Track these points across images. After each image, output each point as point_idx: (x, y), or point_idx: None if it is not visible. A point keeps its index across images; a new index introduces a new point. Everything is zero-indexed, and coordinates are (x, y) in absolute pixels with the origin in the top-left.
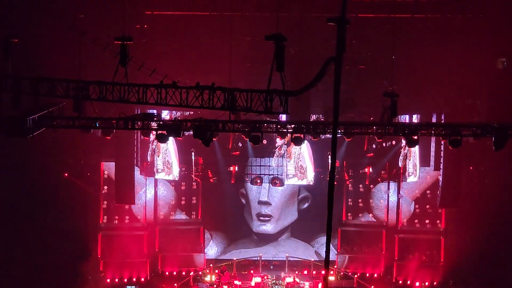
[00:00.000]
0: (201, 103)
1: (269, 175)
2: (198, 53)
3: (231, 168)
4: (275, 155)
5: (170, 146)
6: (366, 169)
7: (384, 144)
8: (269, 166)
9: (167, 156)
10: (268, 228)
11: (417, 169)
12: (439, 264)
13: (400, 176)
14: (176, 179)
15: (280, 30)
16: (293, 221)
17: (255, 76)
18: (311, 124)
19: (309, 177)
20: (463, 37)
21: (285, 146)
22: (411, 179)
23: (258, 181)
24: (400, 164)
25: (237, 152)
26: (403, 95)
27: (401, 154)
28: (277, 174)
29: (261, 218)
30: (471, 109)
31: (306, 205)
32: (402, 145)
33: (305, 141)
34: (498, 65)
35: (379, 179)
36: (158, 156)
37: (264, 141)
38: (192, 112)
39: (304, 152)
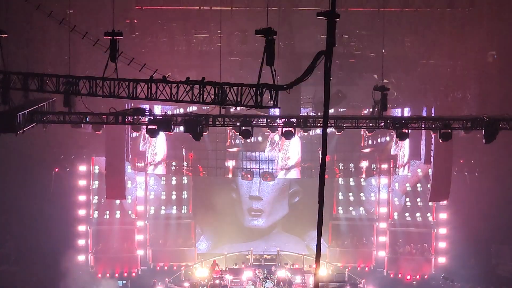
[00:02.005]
0: (191, 98)
1: (259, 169)
2: (188, 48)
3: (228, 163)
4: (266, 150)
5: (160, 138)
6: (363, 162)
7: (379, 140)
8: (259, 160)
9: (155, 147)
10: (260, 223)
11: (405, 159)
12: (430, 257)
13: (391, 170)
14: (163, 172)
15: (270, 25)
16: (284, 216)
17: (245, 71)
18: (301, 118)
19: (292, 168)
20: (452, 30)
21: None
22: (401, 171)
23: (249, 175)
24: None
25: (237, 148)
26: (393, 89)
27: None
28: (268, 169)
29: (253, 213)
30: (461, 102)
31: (297, 199)
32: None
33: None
34: (488, 58)
35: (374, 172)
36: (149, 148)
37: (260, 138)
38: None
39: (292, 143)
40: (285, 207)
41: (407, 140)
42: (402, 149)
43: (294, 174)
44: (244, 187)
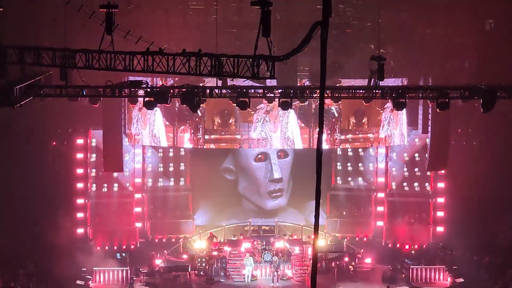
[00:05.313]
0: (188, 70)
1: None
2: (184, 20)
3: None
4: (254, 121)
5: (158, 118)
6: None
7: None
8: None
9: (154, 128)
10: (282, 202)
11: (404, 139)
12: (428, 226)
13: (385, 140)
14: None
15: None
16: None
17: (242, 42)
18: (298, 89)
19: (297, 147)
20: None
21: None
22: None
23: (260, 156)
24: (382, 134)
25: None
26: (390, 59)
27: (382, 120)
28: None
29: (273, 194)
30: (458, 71)
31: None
32: (385, 107)
33: (291, 111)
34: (485, 26)
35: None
36: (144, 129)
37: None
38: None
39: (291, 122)
40: (290, 178)
41: (404, 115)
42: (399, 123)
43: (300, 143)
44: (261, 171)
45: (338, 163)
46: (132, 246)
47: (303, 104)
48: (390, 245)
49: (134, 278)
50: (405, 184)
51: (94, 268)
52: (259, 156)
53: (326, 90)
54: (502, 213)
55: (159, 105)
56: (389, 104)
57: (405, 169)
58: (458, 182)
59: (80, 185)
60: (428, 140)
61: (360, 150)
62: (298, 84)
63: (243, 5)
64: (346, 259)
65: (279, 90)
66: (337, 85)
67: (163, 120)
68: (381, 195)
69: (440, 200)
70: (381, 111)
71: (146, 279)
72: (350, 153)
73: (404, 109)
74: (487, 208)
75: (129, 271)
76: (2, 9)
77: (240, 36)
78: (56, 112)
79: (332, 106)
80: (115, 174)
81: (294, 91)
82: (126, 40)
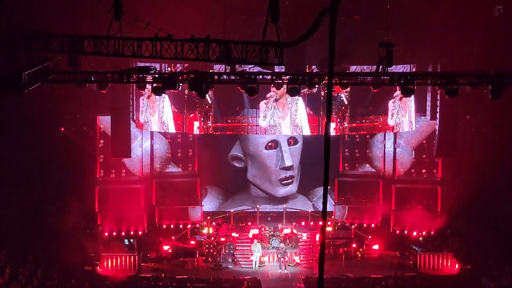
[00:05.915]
0: (196, 56)
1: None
2: (193, 6)
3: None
4: (264, 110)
5: (167, 105)
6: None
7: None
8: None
9: (163, 115)
10: (293, 188)
11: (412, 126)
12: (436, 213)
13: (392, 128)
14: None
15: None
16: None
17: (250, 28)
18: (306, 75)
19: (305, 133)
20: None
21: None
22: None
23: (271, 144)
24: (391, 122)
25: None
26: (399, 45)
27: (391, 109)
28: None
29: (284, 182)
30: (467, 58)
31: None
32: (394, 95)
33: (300, 98)
34: (494, 13)
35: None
36: (153, 116)
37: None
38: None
39: (300, 109)
40: (299, 164)
41: (412, 102)
42: (408, 111)
43: (308, 131)
44: (272, 158)
45: (346, 149)
46: (140, 232)
47: (312, 91)
48: (397, 231)
49: (142, 264)
50: (413, 170)
51: (102, 253)
52: (270, 144)
53: (334, 76)
54: (510, 200)
55: (167, 92)
56: (398, 93)
57: (413, 156)
58: (466, 169)
59: (88, 170)
60: (436, 127)
61: (368, 136)
62: (307, 71)
63: None
64: (354, 245)
65: (288, 77)
66: (346, 71)
67: (171, 108)
68: (389, 181)
69: (448, 186)
70: (389, 99)
71: (154, 265)
72: (357, 139)
73: (413, 96)
74: (495, 195)
75: (137, 257)
76: None
77: (248, 22)
78: (64, 98)
79: (341, 94)
80: (123, 160)
81: (303, 77)
82: (135, 26)
